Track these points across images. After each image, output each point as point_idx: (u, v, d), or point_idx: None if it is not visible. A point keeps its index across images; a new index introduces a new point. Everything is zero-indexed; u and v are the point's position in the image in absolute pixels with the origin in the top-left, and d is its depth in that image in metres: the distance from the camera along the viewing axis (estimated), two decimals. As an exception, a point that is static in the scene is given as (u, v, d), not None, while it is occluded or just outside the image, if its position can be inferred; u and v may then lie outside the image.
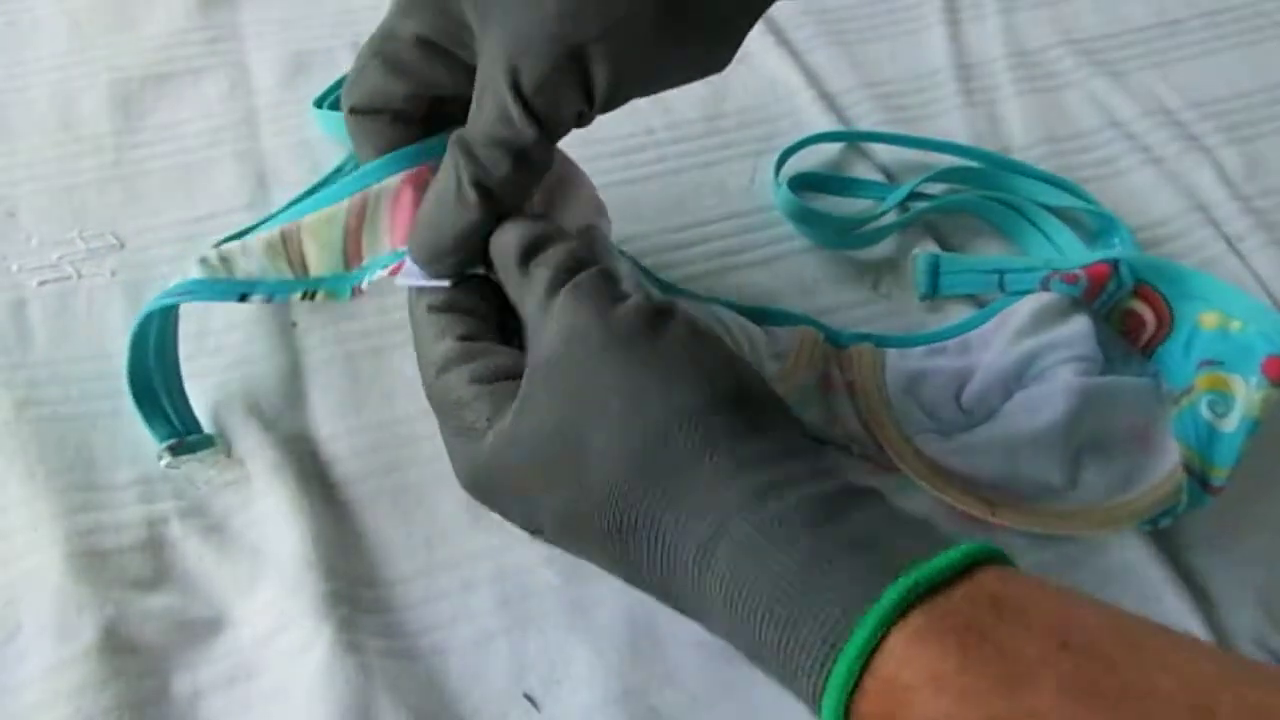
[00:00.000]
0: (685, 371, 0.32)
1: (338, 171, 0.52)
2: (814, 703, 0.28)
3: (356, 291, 0.40)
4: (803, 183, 0.53)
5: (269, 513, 0.42)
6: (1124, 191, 0.55)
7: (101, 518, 0.41)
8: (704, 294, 0.48)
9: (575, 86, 0.34)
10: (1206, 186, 0.55)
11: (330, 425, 0.45)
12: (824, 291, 0.50)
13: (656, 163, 0.55)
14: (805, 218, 0.51)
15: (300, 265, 0.41)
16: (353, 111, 0.40)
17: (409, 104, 0.39)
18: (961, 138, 0.57)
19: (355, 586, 0.40)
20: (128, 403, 0.43)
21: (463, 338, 0.36)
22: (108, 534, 0.41)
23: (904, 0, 0.64)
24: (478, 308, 0.38)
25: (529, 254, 0.35)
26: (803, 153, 0.54)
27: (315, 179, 0.52)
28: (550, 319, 0.34)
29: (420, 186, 0.40)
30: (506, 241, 0.36)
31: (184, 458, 0.42)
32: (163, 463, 0.42)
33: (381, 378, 0.46)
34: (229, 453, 0.43)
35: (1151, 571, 0.42)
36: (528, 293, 0.35)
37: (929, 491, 0.42)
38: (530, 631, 0.40)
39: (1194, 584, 0.42)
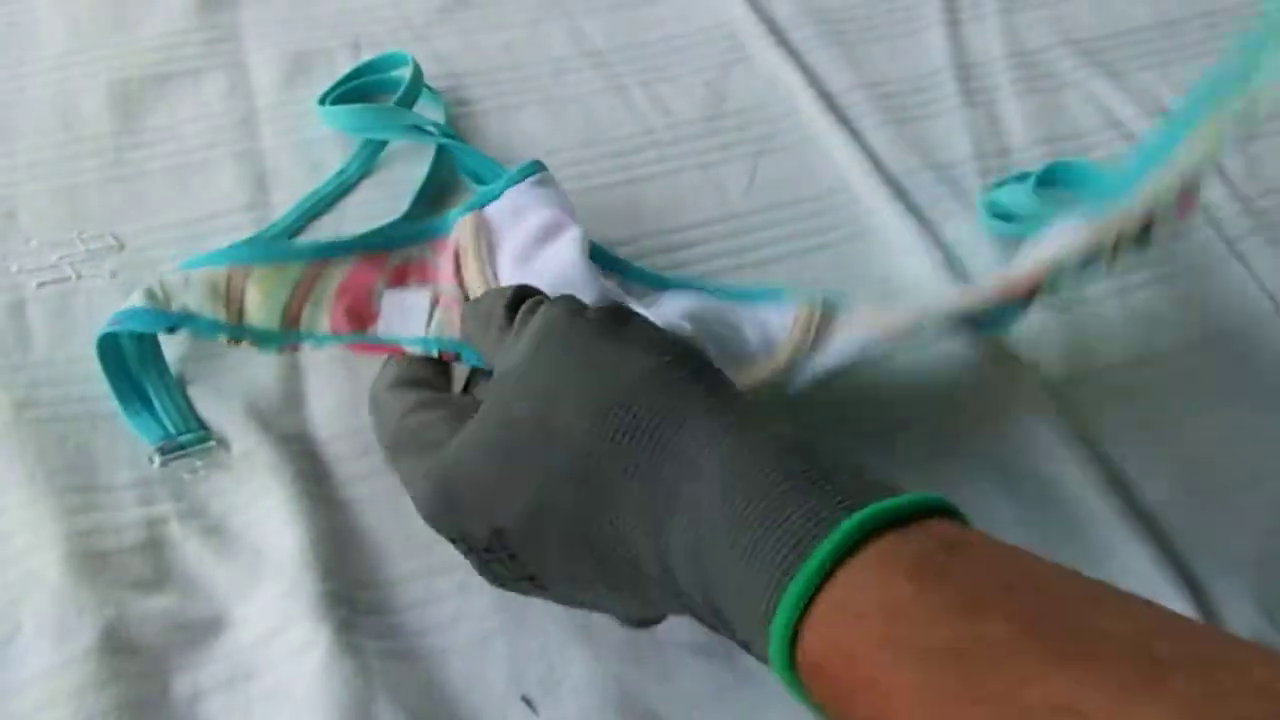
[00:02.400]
0: (647, 345, 0.34)
1: (340, 174, 0.52)
2: (762, 638, 0.28)
3: (285, 350, 0.43)
4: None
5: (268, 513, 0.42)
6: (1124, 192, 0.55)
7: (101, 519, 0.41)
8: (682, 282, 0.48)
9: None
10: (1206, 186, 0.55)
11: (330, 425, 0.45)
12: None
13: (656, 163, 0.55)
14: None
15: (237, 311, 0.42)
16: None
17: None
18: (961, 137, 0.57)
19: (354, 587, 0.40)
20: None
21: (422, 402, 0.39)
22: (107, 535, 0.41)
23: (904, 0, 0.64)
24: (436, 383, 0.41)
25: (512, 308, 0.37)
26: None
27: (315, 179, 0.52)
28: (523, 333, 0.36)
29: (379, 270, 0.43)
30: (490, 305, 0.38)
31: (174, 457, 0.42)
32: (154, 464, 0.42)
33: (381, 378, 0.46)
34: (227, 448, 0.43)
35: (1151, 572, 0.42)
36: (507, 336, 0.37)
37: None
38: (529, 633, 0.40)
39: (1194, 584, 0.42)
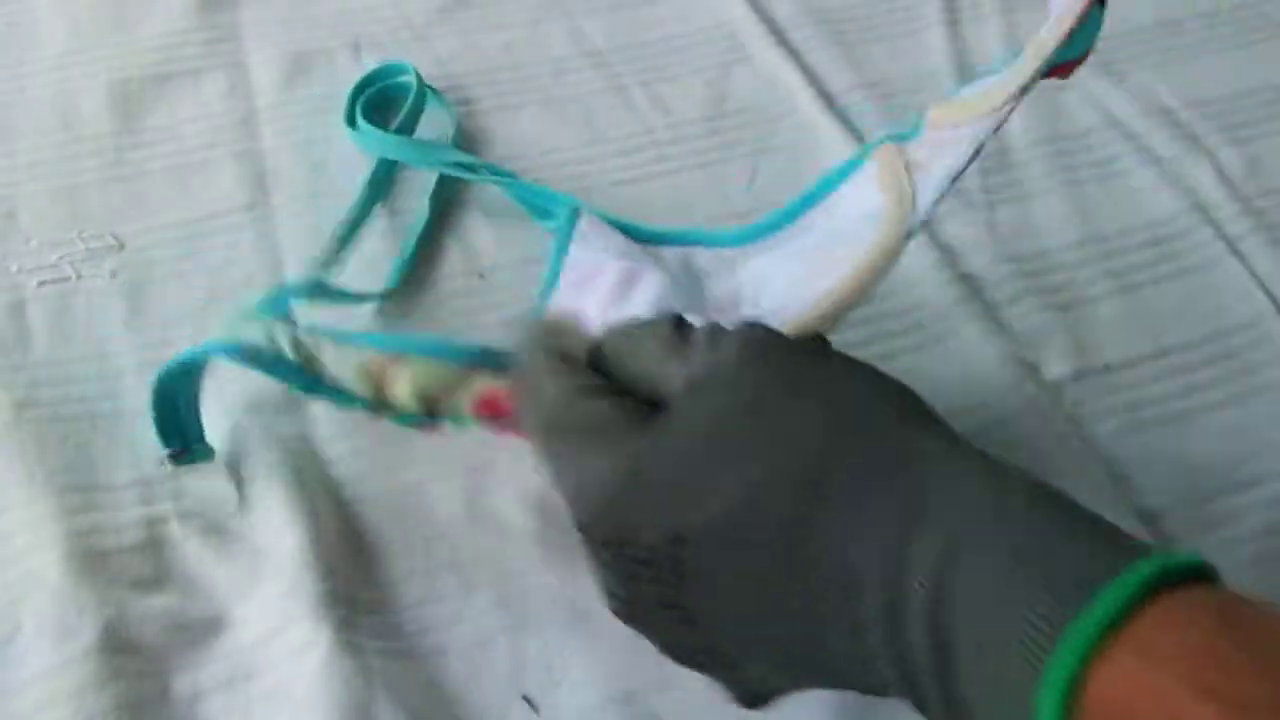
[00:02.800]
0: (869, 371, 0.32)
1: (373, 185, 0.52)
2: (1025, 671, 0.26)
3: (425, 429, 0.40)
4: None
5: (269, 513, 0.42)
6: (1124, 191, 0.55)
7: (101, 518, 0.41)
8: None
9: None
10: (1206, 186, 0.55)
11: (330, 425, 0.45)
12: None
13: (656, 163, 0.55)
14: None
15: (381, 394, 0.40)
16: None
17: None
18: (961, 138, 0.57)
19: (355, 587, 0.40)
20: (129, 403, 0.43)
21: (591, 388, 0.34)
22: (107, 534, 0.41)
23: (904, 0, 0.64)
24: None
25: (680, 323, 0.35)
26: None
27: (315, 179, 0.52)
28: (722, 343, 0.33)
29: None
30: (646, 332, 0.35)
31: (183, 467, 0.42)
32: (162, 468, 0.42)
33: (381, 378, 0.46)
34: (236, 469, 0.43)
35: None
36: (683, 356, 0.33)
37: None
38: (529, 633, 0.40)
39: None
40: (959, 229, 0.53)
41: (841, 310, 0.39)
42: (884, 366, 0.47)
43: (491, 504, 0.43)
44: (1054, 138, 0.57)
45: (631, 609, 0.33)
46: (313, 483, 0.43)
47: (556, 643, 0.39)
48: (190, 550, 0.41)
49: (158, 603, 0.39)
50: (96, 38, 0.58)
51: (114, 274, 0.49)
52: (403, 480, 0.43)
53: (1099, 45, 0.62)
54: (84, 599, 0.38)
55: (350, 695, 0.37)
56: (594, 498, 0.32)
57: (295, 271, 0.49)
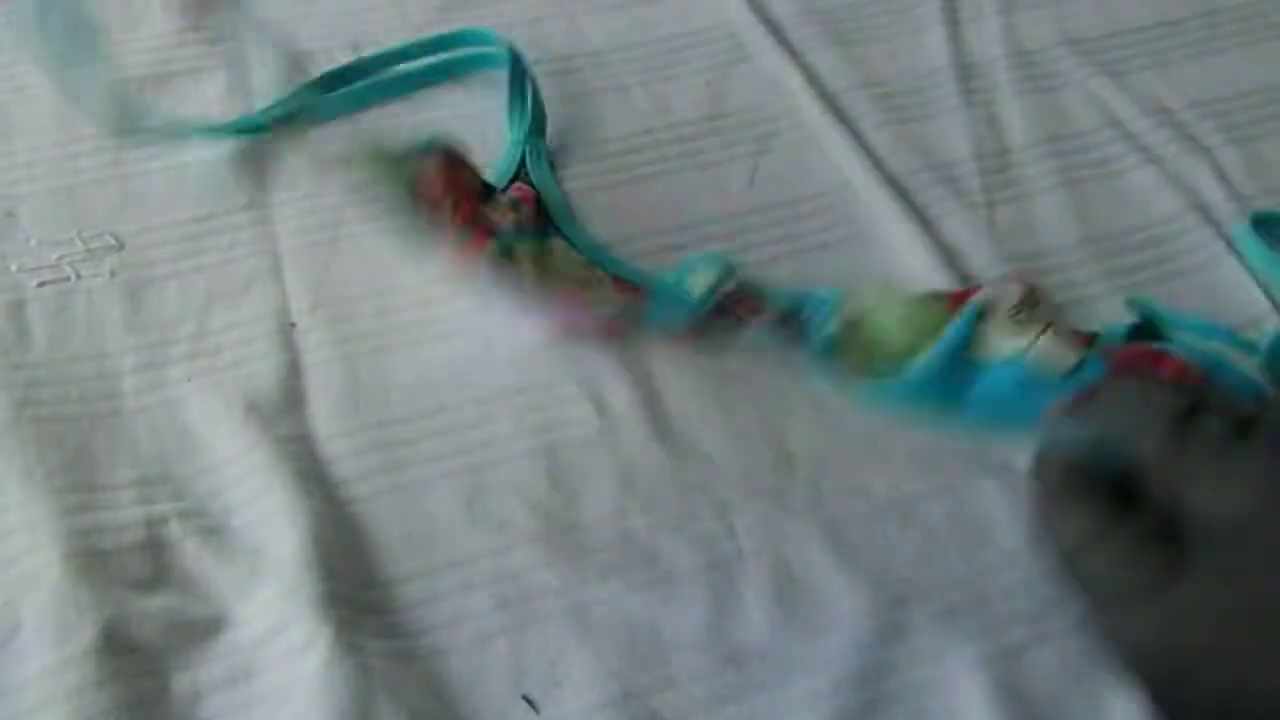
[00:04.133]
0: None
1: None
2: None
3: None
4: None
5: (268, 513, 0.42)
6: (1124, 191, 0.55)
7: (101, 518, 0.41)
8: None
9: None
10: (1206, 186, 0.55)
11: (329, 425, 0.45)
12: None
13: (656, 163, 0.55)
14: None
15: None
16: None
17: None
18: (961, 138, 0.57)
19: (355, 587, 0.40)
20: (129, 403, 0.43)
21: (1095, 514, 0.33)
22: (107, 534, 0.41)
23: (904, 0, 0.64)
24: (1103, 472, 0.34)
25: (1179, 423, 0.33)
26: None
27: (314, 179, 0.52)
28: (1230, 478, 0.31)
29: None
30: (1158, 403, 0.33)
31: None
32: None
33: (381, 378, 0.46)
34: None
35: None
36: (1189, 453, 0.32)
37: None
38: (530, 633, 0.40)
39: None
40: (959, 229, 0.53)
41: None
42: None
43: (491, 504, 0.43)
44: (1054, 138, 0.57)
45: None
46: (312, 483, 0.43)
47: (557, 642, 0.39)
48: (190, 550, 0.41)
49: (157, 602, 0.39)
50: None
51: (113, 274, 0.49)
52: (402, 480, 0.43)
53: (1100, 46, 0.62)
54: (84, 599, 0.38)
55: (350, 695, 0.37)
56: (1129, 654, 0.32)
57: (295, 271, 0.49)
